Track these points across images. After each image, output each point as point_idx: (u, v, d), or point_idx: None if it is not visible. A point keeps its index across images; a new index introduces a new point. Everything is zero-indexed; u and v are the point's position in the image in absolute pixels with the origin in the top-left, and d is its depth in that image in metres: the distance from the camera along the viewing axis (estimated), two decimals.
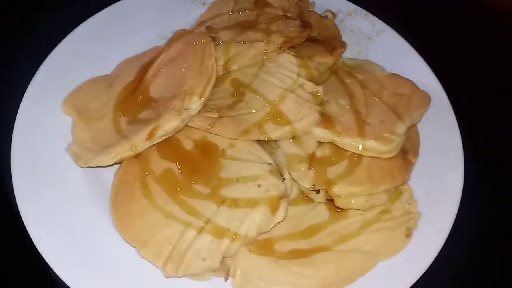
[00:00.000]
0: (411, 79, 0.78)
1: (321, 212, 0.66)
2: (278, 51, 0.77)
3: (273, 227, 0.62)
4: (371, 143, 0.67)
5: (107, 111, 0.74)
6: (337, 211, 0.66)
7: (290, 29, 0.80)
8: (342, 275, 0.61)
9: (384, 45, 0.87)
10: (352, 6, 0.92)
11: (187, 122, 0.69)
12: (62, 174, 0.68)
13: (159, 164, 0.66)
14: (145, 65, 0.78)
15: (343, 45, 0.84)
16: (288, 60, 0.76)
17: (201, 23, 0.86)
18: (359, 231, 0.64)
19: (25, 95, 0.73)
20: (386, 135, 0.68)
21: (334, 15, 0.91)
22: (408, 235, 0.64)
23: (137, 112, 0.72)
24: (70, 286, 0.59)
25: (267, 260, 0.60)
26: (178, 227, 0.61)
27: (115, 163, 0.67)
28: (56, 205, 0.65)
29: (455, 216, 0.66)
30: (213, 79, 0.72)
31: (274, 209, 0.61)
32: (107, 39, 0.83)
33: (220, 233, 0.60)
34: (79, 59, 0.79)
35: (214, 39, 0.77)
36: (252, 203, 0.62)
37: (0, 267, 0.66)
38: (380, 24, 0.89)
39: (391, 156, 0.68)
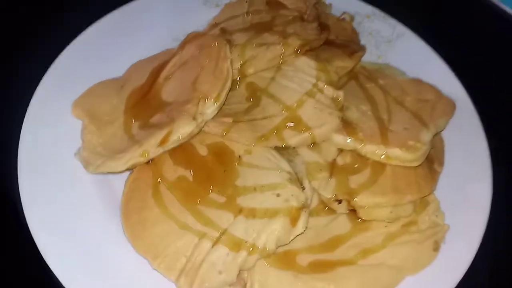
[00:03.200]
0: (433, 84, 0.75)
1: (342, 223, 0.62)
2: (296, 54, 0.74)
3: (293, 239, 0.58)
4: (396, 151, 0.64)
5: (118, 115, 0.71)
6: (360, 222, 0.62)
7: (308, 31, 0.77)
8: None
9: (404, 49, 0.84)
10: (370, 8, 0.89)
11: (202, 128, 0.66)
12: (70, 181, 0.65)
13: (172, 171, 0.63)
14: (157, 68, 0.75)
15: (362, 48, 0.81)
16: (307, 63, 0.73)
17: (214, 25, 0.83)
18: (384, 244, 0.60)
19: (33, 97, 0.71)
20: (411, 142, 0.64)
21: (351, 17, 0.88)
22: (436, 248, 0.60)
23: (149, 116, 0.69)
24: None
25: (287, 274, 0.57)
26: (192, 238, 0.58)
27: (126, 170, 0.64)
28: (64, 214, 0.62)
29: (484, 228, 0.63)
30: (228, 83, 0.68)
31: (294, 221, 0.58)
32: (118, 41, 0.81)
33: (236, 245, 0.57)
34: (89, 61, 0.77)
35: (228, 42, 0.74)
36: (270, 214, 0.58)
37: (5, 275, 0.63)
38: (400, 27, 0.86)
39: (416, 165, 0.64)
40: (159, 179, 0.63)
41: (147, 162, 0.64)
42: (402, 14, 0.88)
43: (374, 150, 0.64)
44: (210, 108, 0.66)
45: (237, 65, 0.73)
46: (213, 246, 0.57)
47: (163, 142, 0.63)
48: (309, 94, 0.69)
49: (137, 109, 0.71)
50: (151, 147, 0.63)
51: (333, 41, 0.82)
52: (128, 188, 0.62)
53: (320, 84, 0.70)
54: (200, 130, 0.66)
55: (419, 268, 0.59)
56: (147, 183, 0.63)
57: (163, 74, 0.74)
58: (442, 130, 0.71)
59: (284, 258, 0.58)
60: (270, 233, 0.57)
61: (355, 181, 0.63)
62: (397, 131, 0.66)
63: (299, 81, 0.71)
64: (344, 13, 0.88)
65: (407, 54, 0.83)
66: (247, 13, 0.83)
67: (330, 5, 0.89)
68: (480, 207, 0.65)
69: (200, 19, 0.85)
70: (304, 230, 0.58)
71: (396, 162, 0.64)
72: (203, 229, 0.58)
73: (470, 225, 0.63)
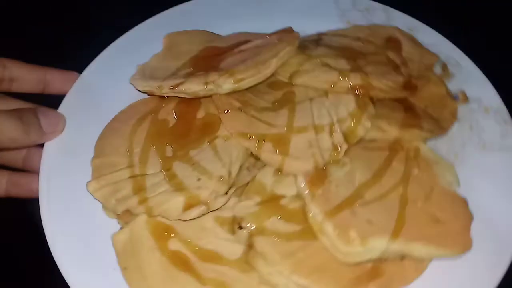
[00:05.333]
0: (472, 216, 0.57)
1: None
2: (350, 92, 0.68)
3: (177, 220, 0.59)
4: (329, 229, 0.54)
5: (185, 58, 0.80)
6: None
7: (383, 79, 0.69)
8: None
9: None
10: (498, 102, 0.70)
11: (211, 96, 0.70)
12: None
13: (166, 113, 0.70)
14: (242, 41, 0.81)
15: (433, 131, 0.67)
16: (347, 102, 0.66)
17: (320, 34, 0.81)
18: None
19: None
20: (353, 233, 0.53)
21: (466, 98, 0.72)
22: None
23: (199, 70, 0.76)
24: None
25: (152, 240, 0.58)
26: (124, 162, 0.64)
27: (144, 91, 0.74)
28: None
29: None
30: (260, 76, 0.69)
31: (187, 207, 0.58)
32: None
33: (138, 189, 0.61)
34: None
35: (305, 49, 0.74)
36: (179, 187, 0.60)
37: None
38: None
39: (343, 262, 0.53)
40: (153, 111, 0.71)
41: (161, 96, 0.73)
42: None
43: (316, 213, 0.56)
44: (226, 85, 0.68)
45: (292, 70, 0.72)
46: (127, 179, 0.63)
47: (174, 86, 0.70)
48: (316, 127, 0.64)
49: (199, 61, 0.79)
50: (166, 85, 0.71)
51: (412, 106, 0.70)
52: (129, 105, 0.73)
53: (336, 127, 0.63)
54: (206, 96, 0.69)
55: None
56: (145, 109, 0.72)
57: (242, 47, 0.79)
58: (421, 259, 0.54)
59: (162, 228, 0.59)
60: (163, 200, 0.59)
61: (280, 226, 0.57)
62: (354, 215, 0.55)
63: (324, 112, 0.66)
64: (461, 91, 0.72)
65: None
66: (356, 39, 0.78)
67: (451, 74, 0.74)
68: None
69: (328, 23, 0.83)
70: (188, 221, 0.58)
71: (327, 244, 0.54)
72: (136, 163, 0.64)
73: None
